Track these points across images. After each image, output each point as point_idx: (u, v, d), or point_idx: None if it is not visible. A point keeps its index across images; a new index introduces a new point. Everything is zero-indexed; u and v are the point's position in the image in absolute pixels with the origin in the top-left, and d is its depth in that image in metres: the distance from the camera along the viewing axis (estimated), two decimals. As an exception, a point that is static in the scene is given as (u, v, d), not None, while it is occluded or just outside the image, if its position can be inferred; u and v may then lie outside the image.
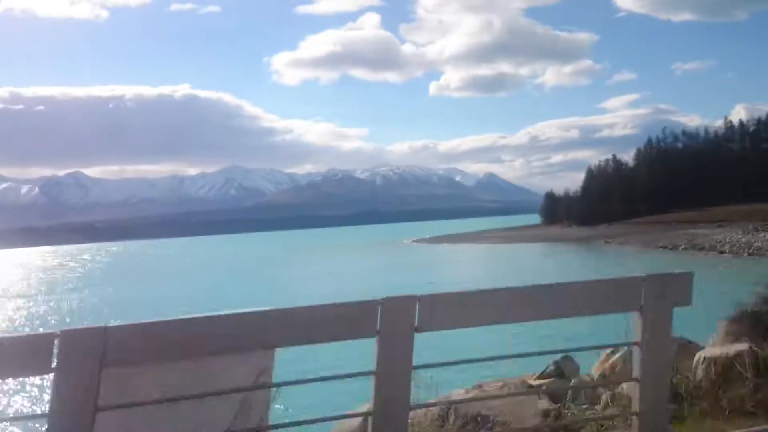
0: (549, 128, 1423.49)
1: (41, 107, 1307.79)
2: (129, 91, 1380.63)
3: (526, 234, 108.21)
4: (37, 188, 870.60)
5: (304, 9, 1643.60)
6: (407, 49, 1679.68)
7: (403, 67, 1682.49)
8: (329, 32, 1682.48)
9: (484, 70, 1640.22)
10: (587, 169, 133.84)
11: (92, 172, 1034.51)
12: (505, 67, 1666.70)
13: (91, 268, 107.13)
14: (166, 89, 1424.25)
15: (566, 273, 50.51)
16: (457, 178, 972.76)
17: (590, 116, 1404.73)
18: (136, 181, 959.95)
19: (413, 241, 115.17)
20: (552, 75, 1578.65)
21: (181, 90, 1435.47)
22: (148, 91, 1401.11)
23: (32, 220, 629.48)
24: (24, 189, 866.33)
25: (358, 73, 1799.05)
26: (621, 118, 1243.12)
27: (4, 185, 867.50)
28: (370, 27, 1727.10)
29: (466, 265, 65.16)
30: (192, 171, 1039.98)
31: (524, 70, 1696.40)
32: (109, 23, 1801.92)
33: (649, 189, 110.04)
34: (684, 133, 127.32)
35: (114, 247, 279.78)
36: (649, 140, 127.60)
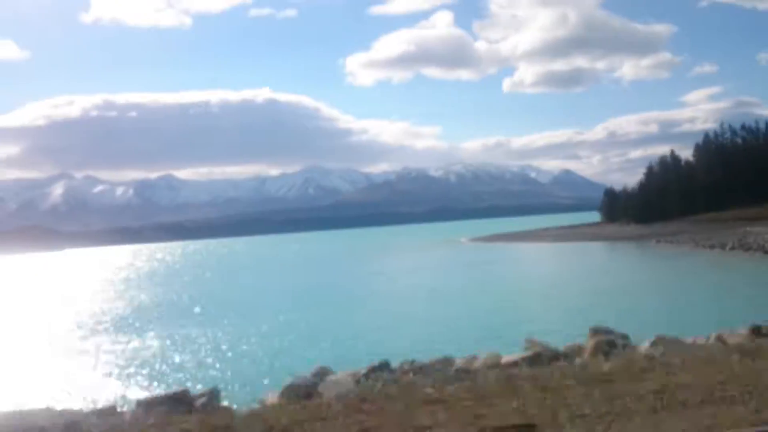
0: (627, 123, 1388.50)
1: (133, 113, 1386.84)
2: (214, 96, 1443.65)
3: (580, 232, 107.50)
4: (131, 190, 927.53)
5: (377, 9, 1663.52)
6: (480, 46, 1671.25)
7: (477, 64, 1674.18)
8: (402, 32, 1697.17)
9: (560, 65, 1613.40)
10: (648, 165, 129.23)
11: (182, 174, 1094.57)
12: (580, 61, 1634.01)
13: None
14: (248, 93, 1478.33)
15: (587, 272, 50.95)
16: (532, 175, 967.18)
17: (670, 110, 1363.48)
18: (222, 182, 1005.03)
19: (470, 239, 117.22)
20: (629, 69, 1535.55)
21: (262, 94, 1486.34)
22: (232, 95, 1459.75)
23: (126, 220, 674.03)
24: (119, 191, 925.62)
25: (431, 71, 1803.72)
26: (702, 112, 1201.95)
27: (101, 187, 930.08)
28: (442, 25, 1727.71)
29: (498, 266, 65.02)
30: (273, 172, 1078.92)
31: (601, 65, 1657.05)
32: (193, 30, 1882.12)
33: (706, 185, 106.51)
34: (743, 127, 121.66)
35: (210, 245, 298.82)
36: (707, 135, 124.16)
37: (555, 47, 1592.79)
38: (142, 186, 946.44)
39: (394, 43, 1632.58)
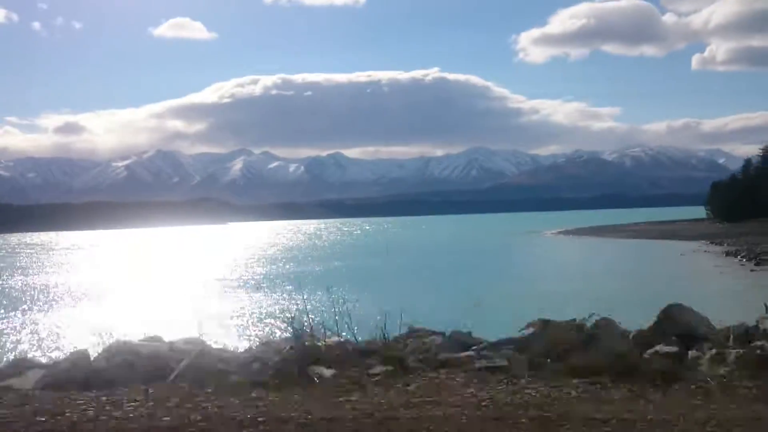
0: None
1: (309, 93, 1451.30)
2: (385, 76, 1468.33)
3: (671, 229, 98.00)
4: (302, 167, 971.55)
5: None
6: (668, 19, 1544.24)
7: (663, 39, 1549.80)
8: (582, 5, 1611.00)
9: (758, 41, 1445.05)
10: (747, 158, 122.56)
11: (350, 152, 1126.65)
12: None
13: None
14: (417, 73, 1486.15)
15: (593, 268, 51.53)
16: (721, 161, 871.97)
17: None
18: (388, 161, 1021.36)
19: (557, 232, 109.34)
20: None
21: (432, 74, 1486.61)
22: (402, 75, 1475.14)
23: (296, 195, 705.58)
24: (292, 167, 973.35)
25: (611, 48, 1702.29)
26: None
27: (276, 163, 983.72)
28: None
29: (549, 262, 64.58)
30: (439, 152, 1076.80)
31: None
32: (366, 8, 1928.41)
33: None
34: None
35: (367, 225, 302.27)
36: None
37: (753, 21, 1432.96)
38: (313, 163, 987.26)
39: (573, 17, 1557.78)
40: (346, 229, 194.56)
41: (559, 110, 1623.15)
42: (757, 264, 50.62)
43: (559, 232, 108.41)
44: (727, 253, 59.13)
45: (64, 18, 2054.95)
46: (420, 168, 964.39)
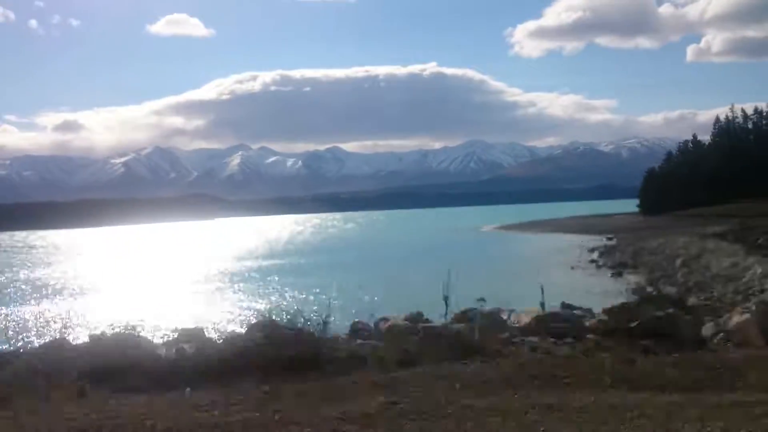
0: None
1: (308, 88, 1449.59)
2: (382, 71, 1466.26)
3: (591, 223, 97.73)
4: (300, 161, 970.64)
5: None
6: (664, 10, 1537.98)
7: (659, 31, 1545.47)
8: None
9: (753, 32, 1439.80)
10: (668, 152, 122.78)
11: (348, 146, 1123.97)
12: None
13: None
14: (415, 68, 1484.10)
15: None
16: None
17: None
18: (386, 155, 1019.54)
19: (494, 228, 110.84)
20: None
21: (429, 68, 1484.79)
22: (399, 70, 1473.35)
23: (295, 190, 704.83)
24: (289, 162, 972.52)
25: (606, 40, 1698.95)
26: None
27: (274, 158, 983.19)
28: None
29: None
30: (436, 145, 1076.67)
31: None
32: (361, 3, 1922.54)
33: (711, 176, 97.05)
34: (756, 110, 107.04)
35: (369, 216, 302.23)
36: (717, 119, 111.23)
37: (749, 12, 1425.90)
38: (311, 157, 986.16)
39: (567, 11, 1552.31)
40: (329, 223, 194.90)
41: (555, 103, 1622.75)
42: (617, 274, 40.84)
43: (495, 228, 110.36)
44: (601, 253, 54.64)
45: (60, 16, 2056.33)
46: (418, 161, 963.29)
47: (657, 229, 69.81)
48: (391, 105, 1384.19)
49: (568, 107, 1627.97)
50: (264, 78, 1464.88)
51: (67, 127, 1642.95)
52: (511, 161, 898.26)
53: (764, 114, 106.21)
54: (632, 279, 37.29)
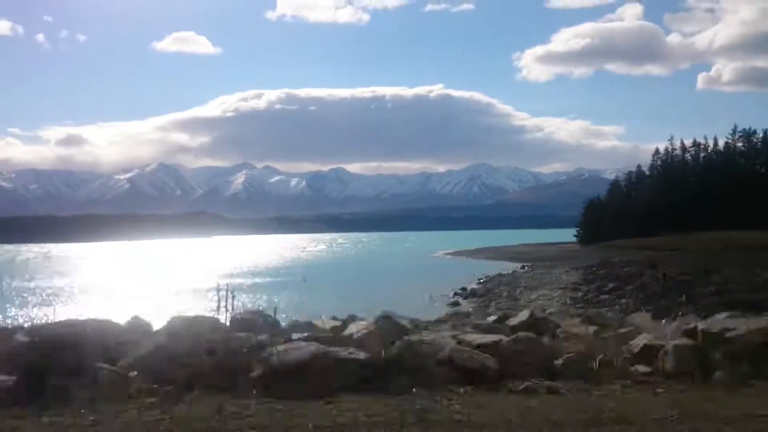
0: None
1: (313, 108, 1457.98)
2: (389, 92, 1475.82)
3: (525, 251, 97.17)
4: (304, 181, 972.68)
5: (556, 2, 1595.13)
6: (673, 39, 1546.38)
7: (667, 59, 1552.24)
8: (585, 25, 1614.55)
9: (763, 62, 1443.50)
10: (613, 181, 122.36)
11: (352, 167, 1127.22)
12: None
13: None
14: (422, 90, 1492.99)
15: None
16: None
17: None
18: (389, 177, 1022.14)
19: (444, 253, 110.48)
20: None
21: (436, 90, 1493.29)
22: (406, 92, 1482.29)
23: (297, 210, 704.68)
24: (293, 182, 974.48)
25: (614, 67, 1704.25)
26: None
27: (278, 178, 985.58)
28: (631, 18, 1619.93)
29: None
30: (440, 168, 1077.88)
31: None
32: (370, 26, 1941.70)
33: (644, 208, 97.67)
34: (695, 143, 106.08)
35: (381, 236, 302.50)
36: (657, 151, 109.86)
37: (757, 42, 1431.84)
38: (314, 178, 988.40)
39: (575, 37, 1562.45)
40: (314, 244, 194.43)
41: (562, 128, 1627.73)
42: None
43: (445, 253, 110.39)
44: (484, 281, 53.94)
45: (68, 31, 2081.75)
46: (421, 183, 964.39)
47: (571, 259, 69.91)
48: (396, 126, 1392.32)
49: (576, 133, 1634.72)
50: (269, 96, 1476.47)
51: (70, 141, 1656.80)
52: (515, 186, 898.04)
53: (701, 147, 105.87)
54: (461, 307, 35.28)
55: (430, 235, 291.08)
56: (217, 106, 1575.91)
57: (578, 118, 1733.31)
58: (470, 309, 30.75)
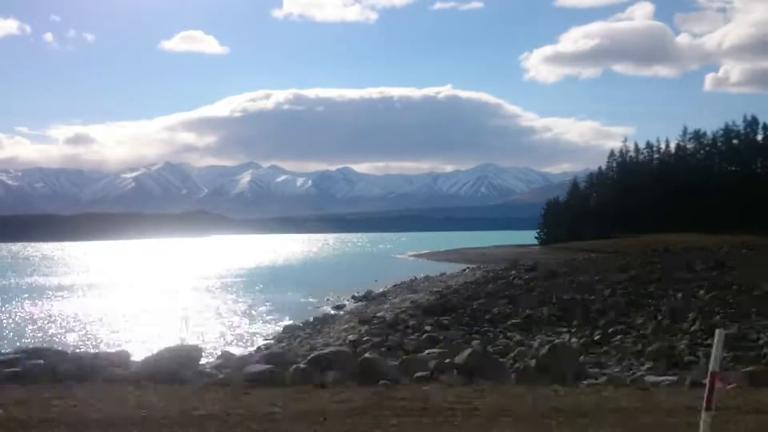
0: None
1: (321, 108, 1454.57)
2: (397, 92, 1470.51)
3: (486, 253, 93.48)
4: (310, 181, 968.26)
5: (565, 2, 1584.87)
6: (682, 40, 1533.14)
7: (676, 59, 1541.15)
8: (595, 24, 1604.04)
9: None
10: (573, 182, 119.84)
11: (360, 167, 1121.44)
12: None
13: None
14: (430, 90, 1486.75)
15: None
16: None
17: None
18: (397, 177, 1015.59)
19: (409, 255, 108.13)
20: None
21: (444, 91, 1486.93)
22: (414, 92, 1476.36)
23: (304, 210, 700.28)
24: (299, 181, 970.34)
25: (622, 68, 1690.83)
26: None
27: (284, 177, 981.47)
28: (641, 17, 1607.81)
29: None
30: (448, 168, 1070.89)
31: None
32: (378, 25, 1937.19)
33: (596, 209, 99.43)
34: (648, 145, 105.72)
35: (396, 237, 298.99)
36: (612, 152, 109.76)
37: (764, 44, 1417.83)
38: (321, 178, 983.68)
39: (584, 37, 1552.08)
40: (320, 244, 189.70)
41: (572, 129, 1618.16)
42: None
43: (411, 255, 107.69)
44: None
45: (76, 30, 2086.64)
46: (428, 184, 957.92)
47: (507, 260, 67.40)
48: (404, 127, 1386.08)
49: (585, 133, 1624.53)
50: (277, 96, 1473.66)
51: (78, 140, 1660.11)
52: (523, 187, 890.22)
53: (654, 149, 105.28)
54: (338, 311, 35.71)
55: (431, 236, 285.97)
56: (225, 106, 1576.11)
57: (587, 119, 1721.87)
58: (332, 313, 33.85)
